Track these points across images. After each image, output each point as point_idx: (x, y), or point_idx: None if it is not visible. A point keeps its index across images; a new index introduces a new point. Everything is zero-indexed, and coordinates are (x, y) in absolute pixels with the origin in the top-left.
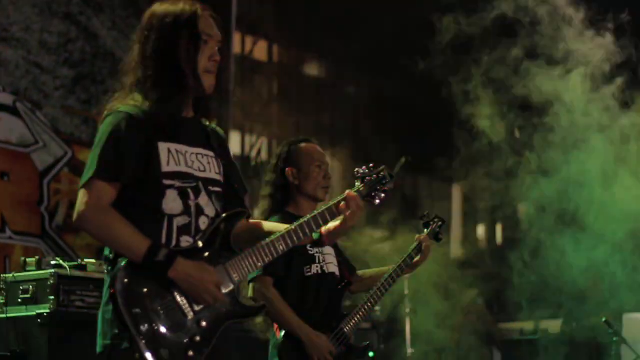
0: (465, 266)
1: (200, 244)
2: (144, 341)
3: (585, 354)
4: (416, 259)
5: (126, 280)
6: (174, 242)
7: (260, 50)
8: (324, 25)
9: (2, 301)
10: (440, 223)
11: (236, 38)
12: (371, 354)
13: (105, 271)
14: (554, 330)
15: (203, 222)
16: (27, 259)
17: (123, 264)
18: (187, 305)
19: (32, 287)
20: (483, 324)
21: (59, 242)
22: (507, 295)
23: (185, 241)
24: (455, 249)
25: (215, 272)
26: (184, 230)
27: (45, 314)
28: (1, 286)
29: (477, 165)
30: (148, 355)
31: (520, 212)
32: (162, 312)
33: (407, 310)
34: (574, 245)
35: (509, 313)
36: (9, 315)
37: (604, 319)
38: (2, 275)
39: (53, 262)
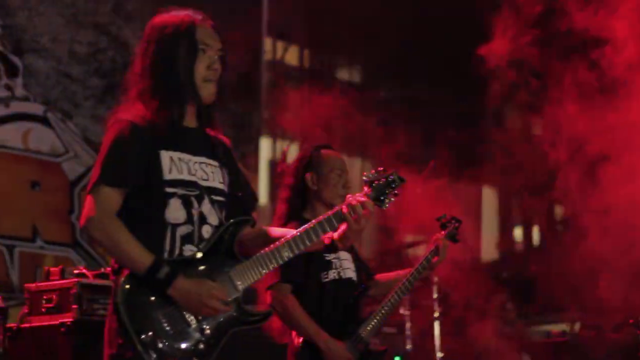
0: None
1: (201, 253)
2: (146, 350)
3: (611, 356)
4: (434, 260)
5: (128, 290)
6: (177, 251)
7: (292, 56)
8: (354, 29)
9: (26, 311)
10: (457, 224)
11: (267, 43)
12: (397, 358)
13: (112, 280)
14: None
15: (206, 231)
16: (51, 268)
17: (126, 273)
18: (190, 314)
19: (56, 296)
20: (511, 329)
21: (90, 251)
22: (537, 297)
23: (189, 250)
24: (487, 251)
25: (218, 282)
26: (187, 239)
27: (68, 323)
28: (25, 296)
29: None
30: None
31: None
32: (164, 320)
33: (436, 314)
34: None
35: (540, 315)
36: (33, 324)
37: (631, 321)
38: (25, 285)
39: (76, 271)
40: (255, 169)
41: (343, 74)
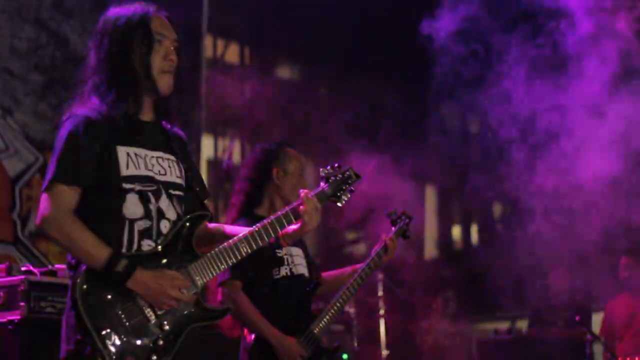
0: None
1: (160, 248)
2: (106, 346)
3: (558, 353)
4: (383, 257)
5: (86, 286)
6: (135, 246)
7: (232, 53)
8: (295, 28)
9: None
10: (407, 220)
11: (207, 41)
12: (345, 356)
13: (68, 277)
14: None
15: (164, 226)
16: None
17: (84, 269)
18: (149, 309)
19: (3, 294)
20: (456, 326)
21: (32, 248)
22: (482, 295)
23: (147, 245)
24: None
25: (178, 275)
26: (145, 234)
27: (16, 321)
28: None
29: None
30: (110, 359)
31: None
32: (123, 316)
33: (382, 311)
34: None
35: (485, 313)
36: None
37: (577, 318)
38: None
39: (23, 269)
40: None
41: (283, 72)
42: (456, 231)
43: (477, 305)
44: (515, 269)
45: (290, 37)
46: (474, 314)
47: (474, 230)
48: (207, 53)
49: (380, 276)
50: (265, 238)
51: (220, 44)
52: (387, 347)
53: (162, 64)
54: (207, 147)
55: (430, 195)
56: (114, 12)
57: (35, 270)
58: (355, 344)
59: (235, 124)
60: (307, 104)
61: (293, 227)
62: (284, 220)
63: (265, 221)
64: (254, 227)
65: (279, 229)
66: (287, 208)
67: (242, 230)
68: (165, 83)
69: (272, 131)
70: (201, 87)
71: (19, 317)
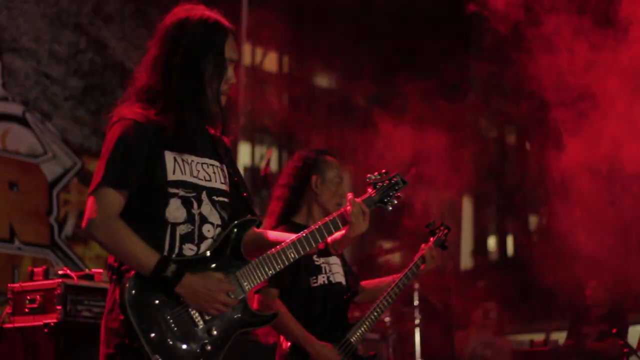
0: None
1: (208, 252)
2: (154, 351)
3: None
4: (421, 267)
5: (135, 290)
6: (176, 250)
7: (271, 62)
8: (334, 36)
9: (9, 311)
10: (446, 231)
11: (246, 49)
12: None
13: (109, 279)
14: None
15: (207, 230)
16: (34, 269)
17: (132, 273)
18: (197, 315)
19: (40, 297)
20: (494, 337)
21: (68, 252)
22: (518, 306)
23: (189, 249)
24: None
25: (226, 279)
26: (186, 238)
27: (52, 324)
28: (9, 296)
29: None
30: None
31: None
32: (171, 321)
33: (417, 321)
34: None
35: (522, 324)
36: (16, 325)
37: (614, 331)
38: (9, 285)
39: (60, 272)
40: None
41: (321, 80)
42: (492, 241)
43: (514, 316)
44: (553, 280)
45: (328, 45)
46: (511, 324)
47: (510, 240)
48: (245, 61)
49: (416, 285)
50: (313, 244)
51: (258, 52)
52: (422, 356)
53: (224, 87)
54: (245, 154)
55: (466, 205)
56: (191, 22)
57: (72, 274)
58: (391, 353)
59: (272, 132)
60: (345, 112)
61: (340, 232)
62: (331, 226)
63: (312, 227)
64: (301, 233)
65: (326, 235)
66: (335, 214)
67: (286, 236)
68: (222, 102)
69: (310, 139)
70: (239, 95)
71: (55, 320)
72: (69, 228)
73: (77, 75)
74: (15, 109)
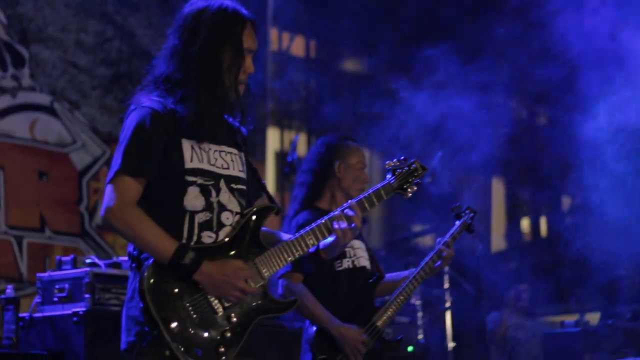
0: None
1: (227, 239)
2: (173, 338)
3: (626, 346)
4: (439, 263)
5: (154, 278)
6: (195, 238)
7: (298, 46)
8: (360, 20)
9: (39, 300)
10: (472, 214)
11: (273, 35)
12: (410, 348)
13: (129, 267)
14: (595, 322)
15: (226, 217)
16: (63, 258)
17: (151, 261)
18: (216, 302)
19: (68, 286)
20: (525, 318)
21: (99, 240)
22: (551, 287)
23: (207, 236)
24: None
25: (244, 265)
26: (205, 225)
27: (81, 312)
28: (38, 285)
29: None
30: (177, 351)
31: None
32: (190, 309)
33: (448, 304)
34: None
35: (555, 305)
36: (45, 314)
37: None
38: (37, 274)
39: (88, 261)
40: (262, 160)
41: (349, 64)
42: (525, 223)
43: (547, 297)
44: (586, 259)
45: (355, 29)
46: (544, 306)
47: (543, 222)
48: (272, 46)
49: (446, 268)
50: (332, 230)
51: (285, 37)
52: (454, 339)
53: (242, 77)
54: (273, 140)
55: (498, 187)
56: (209, 11)
57: (100, 263)
58: (421, 336)
59: (300, 117)
60: (372, 96)
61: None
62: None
63: (331, 214)
64: (320, 220)
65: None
66: (352, 201)
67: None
68: (240, 92)
69: (337, 124)
70: (267, 81)
71: (83, 309)
72: (99, 217)
73: (105, 64)
74: (44, 99)
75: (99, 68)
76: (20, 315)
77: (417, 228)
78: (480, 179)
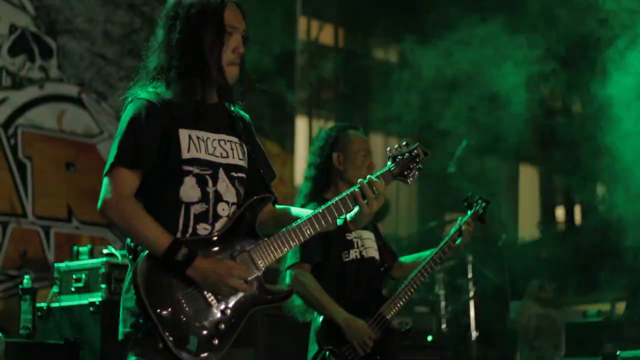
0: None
1: (223, 232)
2: (166, 330)
3: None
4: (458, 242)
5: (148, 270)
6: (190, 230)
7: (327, 35)
8: (389, 8)
9: (56, 290)
10: (483, 204)
11: (302, 23)
12: (430, 338)
13: (127, 259)
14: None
15: (222, 209)
16: (80, 248)
17: (145, 253)
18: (210, 294)
19: (85, 276)
20: (549, 309)
21: None
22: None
23: (203, 228)
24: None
25: (238, 261)
26: (200, 217)
27: (97, 302)
28: (55, 275)
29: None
30: (170, 343)
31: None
32: (184, 301)
33: (471, 294)
34: None
35: (585, 295)
36: (62, 304)
37: None
38: (55, 265)
39: (105, 251)
40: (291, 149)
41: (377, 53)
42: (560, 211)
43: (570, 287)
44: (614, 249)
45: (384, 17)
46: (567, 296)
47: (577, 210)
48: (301, 35)
49: (469, 257)
50: (330, 220)
51: (314, 25)
52: (477, 329)
53: (231, 57)
54: (302, 128)
55: (532, 175)
56: None
57: (117, 253)
58: (444, 326)
59: (329, 105)
60: (400, 84)
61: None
62: (349, 202)
63: (328, 204)
64: (317, 209)
65: (343, 211)
66: (350, 191)
67: (307, 212)
68: (231, 74)
69: (366, 113)
70: (295, 69)
71: (100, 299)
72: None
73: (132, 55)
74: (71, 90)
75: (126, 59)
76: (38, 305)
77: (449, 216)
78: (509, 167)
